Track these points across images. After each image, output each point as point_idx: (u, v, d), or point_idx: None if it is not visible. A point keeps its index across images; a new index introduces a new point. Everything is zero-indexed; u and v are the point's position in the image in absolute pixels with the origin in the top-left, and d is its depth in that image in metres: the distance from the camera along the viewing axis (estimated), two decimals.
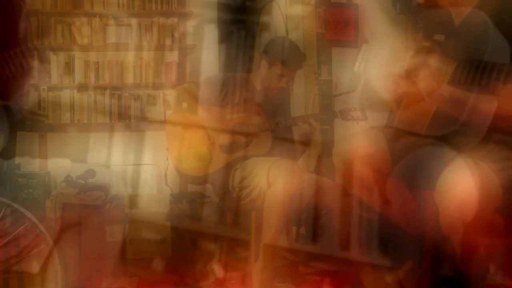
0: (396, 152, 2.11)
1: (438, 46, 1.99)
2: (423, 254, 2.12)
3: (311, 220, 2.89)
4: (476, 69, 1.82)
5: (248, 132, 2.83)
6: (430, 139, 2.05)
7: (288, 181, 2.54)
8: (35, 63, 3.93)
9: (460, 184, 1.84)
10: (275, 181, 2.55)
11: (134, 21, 4.18)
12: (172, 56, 4.21)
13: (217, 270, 2.93)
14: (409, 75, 2.02)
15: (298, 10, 3.96)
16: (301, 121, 2.84)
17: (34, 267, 2.37)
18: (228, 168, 2.77)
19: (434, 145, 2.03)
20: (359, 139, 2.19)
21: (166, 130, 2.92)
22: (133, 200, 3.68)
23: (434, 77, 1.95)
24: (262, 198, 2.62)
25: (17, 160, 2.75)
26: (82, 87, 4.13)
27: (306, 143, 2.92)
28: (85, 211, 3.33)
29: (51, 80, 4.11)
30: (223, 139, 2.81)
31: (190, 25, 4.23)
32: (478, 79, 1.81)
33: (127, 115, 4.15)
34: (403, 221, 2.13)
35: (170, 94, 3.35)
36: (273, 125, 2.85)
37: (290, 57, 2.84)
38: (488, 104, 1.89)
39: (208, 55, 4.11)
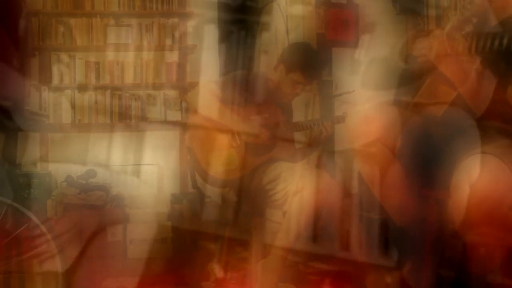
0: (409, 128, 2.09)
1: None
2: (426, 253, 2.12)
3: (311, 220, 2.89)
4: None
5: (273, 134, 2.78)
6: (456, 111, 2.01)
7: (317, 190, 2.54)
8: (36, 63, 3.95)
9: (477, 180, 1.82)
10: (303, 189, 2.54)
11: (134, 21, 4.18)
12: (173, 56, 4.22)
13: (217, 270, 2.93)
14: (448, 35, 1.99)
15: (298, 10, 3.96)
16: (320, 124, 2.83)
17: (35, 267, 2.37)
18: (255, 170, 2.74)
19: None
20: (375, 114, 2.17)
21: (190, 131, 2.85)
22: (133, 200, 3.68)
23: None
24: (282, 202, 2.61)
25: (18, 160, 2.75)
26: (83, 87, 4.14)
27: (316, 145, 2.90)
28: (86, 211, 3.34)
29: (51, 80, 4.11)
30: (250, 142, 2.77)
31: (190, 25, 4.24)
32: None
33: (127, 115, 4.15)
34: (401, 210, 2.13)
35: (191, 93, 3.26)
36: (297, 128, 2.83)
37: (309, 65, 2.75)
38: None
39: (208, 55, 4.11)
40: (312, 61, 2.79)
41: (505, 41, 1.79)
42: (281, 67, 2.78)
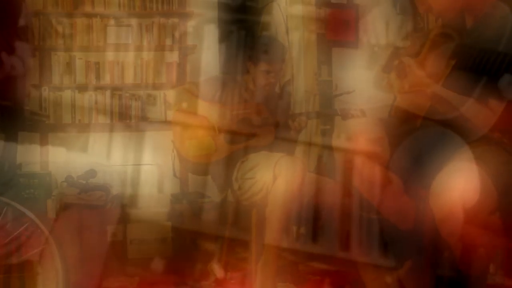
0: (397, 138, 2.11)
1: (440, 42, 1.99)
2: (423, 254, 2.13)
3: (311, 220, 2.89)
4: (484, 58, 1.80)
5: (252, 127, 2.86)
6: (433, 123, 2.03)
7: (294, 178, 2.57)
8: (36, 63, 3.94)
9: (455, 188, 1.83)
10: (280, 176, 2.57)
11: (134, 21, 4.18)
12: (173, 57, 4.22)
13: (217, 270, 2.94)
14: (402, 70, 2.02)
15: (298, 10, 3.96)
16: (303, 118, 2.88)
17: (35, 267, 2.38)
18: (233, 159, 2.80)
19: (437, 128, 2.01)
20: (359, 129, 2.20)
21: (172, 122, 2.96)
22: (133, 200, 3.69)
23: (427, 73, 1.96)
24: (264, 192, 2.64)
25: (19, 160, 2.75)
26: (83, 87, 4.14)
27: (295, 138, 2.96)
28: (86, 211, 3.34)
29: (52, 80, 4.11)
30: (227, 131, 2.85)
31: (190, 25, 4.24)
32: (485, 68, 1.79)
33: (127, 115, 4.15)
34: (399, 214, 2.14)
35: (171, 95, 3.39)
36: (275, 121, 2.88)
37: (271, 52, 2.90)
38: (486, 113, 1.88)
39: (208, 55, 4.11)
40: (271, 47, 2.92)
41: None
42: (250, 65, 2.93)
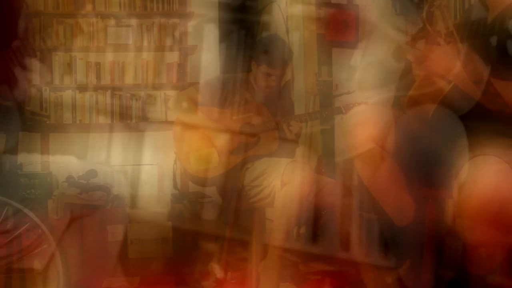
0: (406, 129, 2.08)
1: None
2: (423, 253, 2.13)
3: (311, 220, 2.90)
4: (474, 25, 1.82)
5: (255, 132, 2.83)
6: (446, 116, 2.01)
7: (302, 183, 2.55)
8: (37, 63, 3.95)
9: (483, 183, 1.81)
10: (289, 182, 2.56)
11: (135, 22, 4.19)
12: (173, 57, 4.23)
13: (218, 270, 2.94)
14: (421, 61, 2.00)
15: (298, 10, 3.97)
16: (305, 119, 2.84)
17: (36, 266, 2.38)
18: (239, 168, 2.78)
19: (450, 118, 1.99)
20: (367, 114, 2.16)
21: (173, 134, 2.91)
22: (134, 200, 3.69)
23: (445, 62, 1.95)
24: (271, 198, 2.63)
25: (19, 160, 2.76)
26: (84, 88, 4.15)
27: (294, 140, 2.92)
28: (87, 211, 3.34)
29: (52, 80, 4.12)
30: (231, 140, 2.81)
31: (190, 25, 4.25)
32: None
33: (128, 116, 4.16)
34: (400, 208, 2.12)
35: (172, 99, 3.37)
36: (277, 124, 2.85)
37: (276, 55, 2.80)
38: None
39: (208, 55, 4.12)
40: (277, 50, 2.82)
41: (489, 28, 1.80)
42: (253, 63, 2.84)
